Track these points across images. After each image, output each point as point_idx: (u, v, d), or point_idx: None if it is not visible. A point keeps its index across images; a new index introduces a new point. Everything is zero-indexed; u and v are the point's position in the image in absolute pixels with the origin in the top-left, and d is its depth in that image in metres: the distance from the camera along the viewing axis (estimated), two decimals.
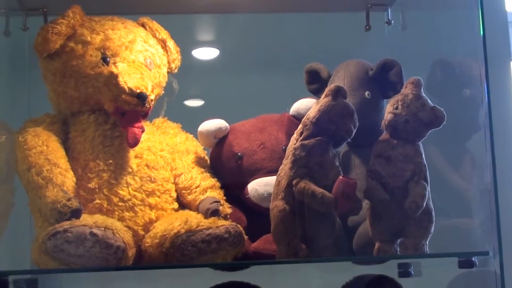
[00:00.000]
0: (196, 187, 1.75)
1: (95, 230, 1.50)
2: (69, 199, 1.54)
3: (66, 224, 1.50)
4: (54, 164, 1.62)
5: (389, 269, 1.79)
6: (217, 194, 1.74)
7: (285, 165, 1.59)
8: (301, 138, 1.59)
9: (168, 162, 1.77)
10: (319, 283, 1.77)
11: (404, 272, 1.84)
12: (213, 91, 2.03)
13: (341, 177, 1.55)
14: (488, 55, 1.72)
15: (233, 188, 1.77)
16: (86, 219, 1.54)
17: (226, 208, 1.68)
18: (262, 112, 1.87)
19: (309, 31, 2.04)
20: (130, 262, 1.57)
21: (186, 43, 1.88)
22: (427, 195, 1.57)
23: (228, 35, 2.10)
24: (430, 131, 1.61)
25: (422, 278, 1.84)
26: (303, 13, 2.04)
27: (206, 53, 2.07)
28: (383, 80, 1.75)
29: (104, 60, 1.68)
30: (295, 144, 1.59)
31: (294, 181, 1.55)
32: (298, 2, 2.00)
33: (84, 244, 1.49)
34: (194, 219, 1.61)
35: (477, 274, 1.76)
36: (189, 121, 1.89)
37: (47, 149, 1.65)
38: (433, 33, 1.94)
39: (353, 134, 1.58)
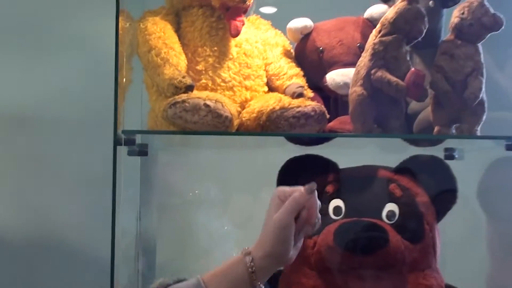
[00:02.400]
0: (284, 74, 1.77)
1: (208, 102, 1.56)
2: (184, 77, 1.59)
3: (184, 96, 1.57)
4: (170, 48, 1.65)
5: (437, 151, 1.81)
6: (301, 81, 1.76)
7: (365, 57, 1.61)
8: (379, 35, 1.60)
9: (261, 52, 1.79)
10: (380, 161, 1.77)
11: (449, 155, 1.87)
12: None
13: (412, 69, 1.58)
14: None
15: (314, 77, 1.78)
16: (198, 94, 1.59)
17: (309, 93, 1.72)
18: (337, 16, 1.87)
19: None
20: (234, 130, 1.62)
21: None
22: (482, 88, 1.60)
23: None
24: (489, 34, 1.61)
25: (464, 161, 1.86)
26: None
27: None
28: None
29: None
30: (374, 40, 1.60)
31: (373, 71, 1.58)
32: None
33: (199, 113, 1.55)
34: (287, 99, 1.66)
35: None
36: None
37: (164, 35, 1.67)
38: None
39: (423, 34, 1.59)
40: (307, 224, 1.36)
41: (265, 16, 1.89)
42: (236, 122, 1.63)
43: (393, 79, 1.57)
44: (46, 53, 2.05)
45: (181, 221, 1.94)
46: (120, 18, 1.61)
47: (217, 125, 1.57)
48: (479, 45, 1.63)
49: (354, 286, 1.62)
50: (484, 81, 1.60)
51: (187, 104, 1.56)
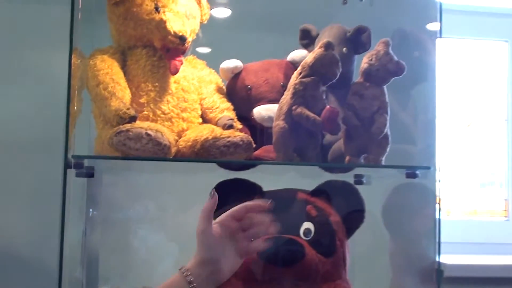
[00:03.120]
0: (216, 108, 1.82)
1: (149, 131, 1.60)
2: (128, 108, 1.63)
3: (128, 126, 1.60)
4: (117, 83, 1.69)
5: (348, 177, 1.88)
6: (231, 114, 1.81)
7: (287, 95, 1.67)
8: (300, 76, 1.67)
9: (196, 88, 1.83)
10: (299, 185, 1.82)
11: (358, 181, 1.94)
12: (225, 42, 2.08)
13: (328, 106, 1.65)
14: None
15: (243, 111, 1.83)
16: (140, 124, 1.64)
17: (238, 124, 1.77)
18: (261, 60, 1.93)
19: (301, 3, 2.08)
20: (171, 157, 1.67)
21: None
22: (387, 124, 1.68)
23: (238, 1, 2.16)
24: (393, 78, 1.71)
25: (371, 186, 1.93)
26: None
27: (222, 12, 2.12)
28: (356, 40, 1.82)
29: (156, 9, 1.73)
30: (295, 80, 1.67)
31: (293, 107, 1.64)
32: None
33: (141, 141, 1.59)
34: (218, 130, 1.71)
35: (413, 185, 1.90)
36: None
37: (111, 71, 1.71)
38: (393, 9, 2.03)
39: (337, 77, 1.67)
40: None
41: (200, 56, 1.93)
42: (173, 150, 1.66)
43: (311, 115, 1.63)
44: (6, 82, 2.07)
45: (122, 236, 1.94)
46: (73, 55, 1.65)
47: (157, 152, 1.60)
48: (384, 87, 1.71)
49: None
50: (388, 118, 1.68)
51: (130, 133, 1.59)
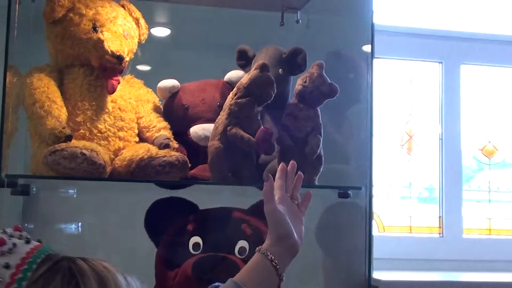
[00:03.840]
0: (153, 127, 1.82)
1: (84, 151, 1.60)
2: (64, 127, 1.63)
3: (63, 145, 1.60)
4: (53, 101, 1.69)
5: None
6: (168, 133, 1.82)
7: (222, 116, 1.69)
8: (235, 97, 1.69)
9: (134, 107, 1.84)
10: (234, 203, 1.84)
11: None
12: (164, 60, 2.09)
13: (262, 127, 1.67)
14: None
15: (180, 130, 1.84)
16: (75, 143, 1.63)
17: (174, 144, 1.78)
18: (199, 79, 1.93)
19: (239, 24, 2.11)
20: (106, 176, 1.67)
21: (147, 22, 1.92)
22: (320, 145, 1.70)
23: (178, 20, 2.17)
24: (326, 100, 1.73)
25: None
26: (236, 9, 2.13)
27: (161, 31, 2.14)
28: (292, 62, 1.84)
29: (94, 29, 1.74)
30: (231, 101, 1.69)
31: (228, 128, 1.66)
32: (233, 0, 2.09)
33: (76, 160, 1.59)
34: (154, 149, 1.71)
35: (346, 204, 1.93)
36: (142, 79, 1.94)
37: (48, 90, 1.71)
38: (329, 32, 2.06)
39: (272, 98, 1.69)
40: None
41: (140, 73, 1.94)
42: (109, 169, 1.66)
43: (246, 135, 1.64)
44: None
45: (60, 252, 1.94)
46: (8, 73, 1.64)
47: (92, 171, 1.60)
48: (318, 108, 1.73)
49: None
50: (321, 138, 1.71)
51: (65, 152, 1.58)
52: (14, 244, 0.90)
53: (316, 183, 1.74)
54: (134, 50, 1.85)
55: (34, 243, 0.95)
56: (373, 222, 1.88)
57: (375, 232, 1.95)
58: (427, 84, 2.61)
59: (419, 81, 2.61)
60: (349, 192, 1.82)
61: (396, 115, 2.57)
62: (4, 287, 0.83)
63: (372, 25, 1.88)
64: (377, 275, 1.91)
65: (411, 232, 2.53)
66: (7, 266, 0.84)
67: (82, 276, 0.91)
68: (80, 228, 2.01)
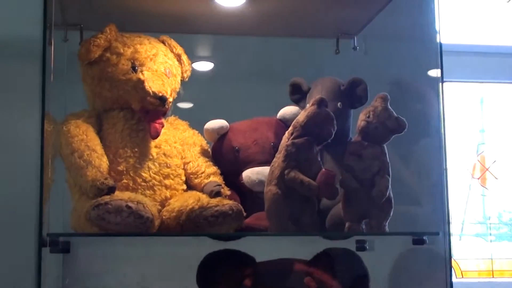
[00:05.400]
0: (202, 173, 1.84)
1: (130, 204, 1.61)
2: (106, 178, 1.65)
3: (106, 198, 1.61)
4: (93, 150, 1.72)
5: (349, 244, 1.89)
6: (218, 179, 1.83)
7: (278, 158, 1.69)
8: (292, 137, 1.69)
9: (179, 152, 1.86)
10: (295, 254, 1.83)
11: (361, 247, 1.94)
12: (209, 97, 2.12)
13: (323, 169, 1.67)
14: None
15: (231, 176, 1.85)
16: (119, 195, 1.65)
17: (226, 191, 1.78)
18: (250, 117, 1.95)
19: (290, 53, 2.13)
20: (155, 230, 1.67)
21: (189, 57, 1.96)
22: (389, 186, 1.70)
23: (222, 52, 2.20)
24: (393, 136, 1.74)
25: (374, 252, 1.94)
26: (286, 38, 2.14)
27: (204, 66, 2.17)
28: (351, 94, 1.86)
29: (133, 68, 1.77)
30: (287, 142, 1.69)
31: (286, 171, 1.66)
32: (282, 28, 2.10)
33: (121, 215, 1.60)
34: (205, 198, 1.72)
35: (421, 250, 1.89)
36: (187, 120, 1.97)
37: (86, 138, 1.74)
38: (389, 58, 2.07)
39: (333, 136, 1.69)
40: None
41: (182, 111, 1.97)
42: (157, 222, 1.68)
43: (306, 179, 1.65)
44: None
45: None
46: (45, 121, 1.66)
47: (138, 225, 1.61)
48: (384, 145, 1.74)
49: None
50: (390, 179, 1.70)
51: (109, 206, 1.60)
52: None
53: (387, 229, 1.73)
54: (177, 89, 1.88)
55: None
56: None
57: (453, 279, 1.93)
58: (500, 107, 2.60)
59: (491, 103, 2.60)
60: (424, 238, 1.79)
61: (466, 142, 2.56)
62: None
63: (440, 45, 1.85)
64: None
65: (493, 277, 2.50)
66: None
67: None
68: (126, 285, 2.02)
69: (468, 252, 2.48)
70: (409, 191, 1.93)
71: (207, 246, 1.83)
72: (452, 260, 2.16)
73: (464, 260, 2.47)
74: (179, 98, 1.93)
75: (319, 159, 1.72)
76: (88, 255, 1.97)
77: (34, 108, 1.69)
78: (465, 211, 2.50)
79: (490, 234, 2.54)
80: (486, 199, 2.53)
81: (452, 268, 1.87)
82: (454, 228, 2.36)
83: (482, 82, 2.60)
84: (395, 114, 1.73)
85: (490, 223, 2.56)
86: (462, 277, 2.44)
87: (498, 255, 2.51)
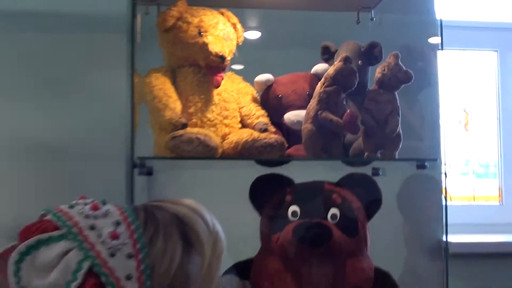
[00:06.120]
0: (253, 115, 1.86)
1: (199, 136, 1.65)
2: (180, 117, 1.68)
3: (180, 132, 1.65)
4: (169, 96, 1.74)
5: (367, 170, 1.91)
6: (266, 120, 1.85)
7: (313, 103, 1.71)
8: (323, 86, 1.71)
9: (235, 99, 1.87)
10: (325, 177, 1.85)
11: (375, 173, 1.95)
12: (256, 59, 2.10)
13: (348, 110, 1.69)
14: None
15: (275, 117, 1.87)
16: (190, 130, 1.68)
17: (272, 128, 1.81)
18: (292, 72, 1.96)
19: (321, 23, 2.12)
20: (218, 156, 1.71)
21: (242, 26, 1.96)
22: (399, 125, 1.71)
23: (268, 23, 2.19)
24: (402, 85, 1.74)
25: (386, 177, 1.94)
26: (317, 11, 2.13)
27: (253, 35, 2.16)
28: (369, 54, 1.86)
29: (200, 34, 1.78)
30: (320, 90, 1.71)
31: (319, 112, 1.68)
32: (314, 4, 2.09)
33: (192, 144, 1.64)
34: (256, 133, 1.75)
35: (422, 176, 1.93)
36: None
37: (164, 87, 1.76)
38: (399, 27, 2.06)
39: (355, 86, 1.71)
40: None
41: (236, 72, 1.97)
42: (219, 151, 1.71)
43: (334, 118, 1.67)
44: (77, 100, 2.10)
45: None
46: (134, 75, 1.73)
47: (205, 152, 1.65)
48: (396, 93, 1.74)
49: (307, 270, 1.71)
50: (400, 119, 1.71)
51: (183, 138, 1.64)
52: (102, 206, 0.82)
53: (396, 157, 1.74)
54: (233, 51, 1.88)
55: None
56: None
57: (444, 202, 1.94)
58: (484, 71, 2.59)
59: (478, 67, 2.58)
60: (426, 164, 1.81)
61: (459, 98, 2.56)
62: (129, 238, 0.76)
63: (441, 21, 1.87)
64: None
65: (474, 200, 2.51)
66: (118, 223, 0.77)
67: (164, 222, 0.83)
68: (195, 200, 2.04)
69: (455, 183, 2.49)
70: (413, 129, 1.91)
71: (257, 170, 1.84)
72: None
73: (452, 189, 2.48)
74: (234, 60, 1.91)
75: (345, 103, 1.73)
76: (165, 178, 1.99)
77: (124, 67, 1.78)
78: (453, 153, 2.50)
79: (469, 173, 2.54)
80: (469, 142, 2.53)
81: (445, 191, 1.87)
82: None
83: (470, 50, 2.59)
84: (404, 68, 1.73)
85: (471, 163, 2.56)
86: (451, 200, 2.45)
87: (478, 186, 2.52)
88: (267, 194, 1.81)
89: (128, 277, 0.71)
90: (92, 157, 2.06)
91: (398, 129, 1.71)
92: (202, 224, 0.82)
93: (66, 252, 0.69)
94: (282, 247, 1.71)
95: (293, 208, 1.75)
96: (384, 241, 1.92)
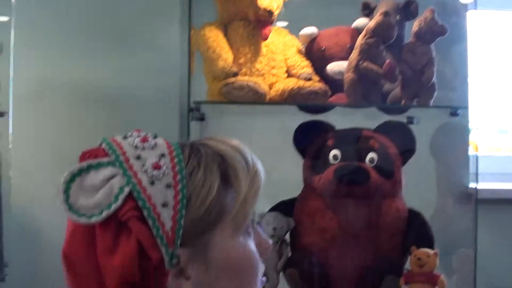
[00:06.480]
0: (298, 65, 1.93)
1: (249, 83, 1.76)
2: (231, 67, 1.79)
3: (232, 79, 1.77)
4: (222, 47, 1.84)
5: (402, 118, 1.97)
6: (310, 70, 1.93)
7: (354, 53, 1.80)
8: (365, 38, 1.80)
9: (282, 50, 1.95)
10: (364, 125, 1.92)
11: (410, 121, 2.01)
12: (300, 17, 2.14)
13: (388, 60, 1.78)
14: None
15: (319, 68, 1.94)
16: (241, 78, 1.80)
17: (316, 78, 1.90)
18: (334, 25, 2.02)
19: None
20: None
21: None
22: (434, 74, 1.80)
23: None
24: (438, 38, 1.82)
25: (420, 125, 2.00)
26: None
27: None
28: (406, 10, 1.91)
29: None
30: (361, 41, 1.80)
31: (361, 62, 1.77)
32: None
33: (243, 90, 1.76)
34: (301, 81, 1.85)
35: (453, 124, 2.02)
36: None
37: (217, 39, 1.85)
38: None
39: (394, 38, 1.79)
40: None
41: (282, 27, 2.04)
42: (267, 98, 1.82)
43: (375, 67, 1.76)
44: (135, 50, 2.19)
45: None
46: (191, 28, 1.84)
47: (255, 98, 1.77)
48: (432, 45, 1.82)
49: (346, 208, 1.80)
50: (435, 69, 1.79)
51: (235, 85, 1.76)
52: (152, 140, 0.85)
53: (431, 104, 1.83)
54: (280, 7, 1.94)
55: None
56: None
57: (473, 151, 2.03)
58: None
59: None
60: (458, 111, 1.90)
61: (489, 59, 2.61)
62: (170, 170, 0.80)
63: None
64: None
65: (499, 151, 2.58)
66: (163, 155, 0.81)
67: (205, 155, 0.86)
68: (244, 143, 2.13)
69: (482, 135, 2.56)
70: (446, 80, 1.97)
71: (301, 117, 1.93)
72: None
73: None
74: (280, 17, 1.97)
75: (384, 54, 1.81)
76: (217, 124, 2.08)
77: (179, 19, 1.92)
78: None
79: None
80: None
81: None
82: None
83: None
84: (440, 22, 1.80)
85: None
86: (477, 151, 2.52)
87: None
88: (310, 139, 1.90)
89: (164, 204, 0.76)
90: (148, 104, 2.16)
91: (433, 79, 1.79)
92: (242, 161, 0.85)
93: (111, 177, 0.76)
94: (323, 187, 1.80)
95: (334, 152, 1.83)
96: (417, 185, 1.99)
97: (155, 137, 0.84)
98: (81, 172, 0.76)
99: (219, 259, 0.79)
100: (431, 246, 1.80)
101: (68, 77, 2.22)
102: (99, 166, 0.77)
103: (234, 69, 1.80)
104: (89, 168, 0.77)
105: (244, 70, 1.87)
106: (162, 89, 2.13)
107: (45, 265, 2.28)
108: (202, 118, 1.95)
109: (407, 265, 1.81)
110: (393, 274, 1.79)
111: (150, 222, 0.74)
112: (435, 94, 1.82)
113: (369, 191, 1.78)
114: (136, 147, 0.80)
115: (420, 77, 1.80)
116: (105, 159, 0.78)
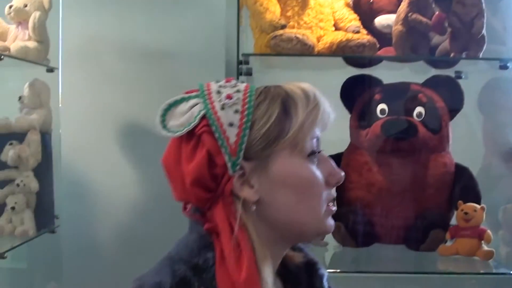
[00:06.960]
0: (346, 18, 1.92)
1: (297, 35, 1.75)
2: (279, 19, 1.78)
3: (280, 32, 1.76)
4: (270, 0, 1.83)
5: (450, 73, 1.92)
6: (358, 23, 1.91)
7: (403, 5, 1.79)
8: None
9: (329, 4, 1.93)
10: (412, 79, 1.89)
11: (458, 76, 1.94)
12: None
13: (437, 12, 1.76)
14: None
15: (367, 21, 1.92)
16: (289, 30, 1.78)
17: (363, 31, 1.89)
18: None
19: None
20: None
21: None
22: (484, 27, 1.76)
23: None
24: None
25: (468, 80, 1.95)
26: None
27: None
28: None
29: None
30: None
31: (409, 14, 1.76)
32: None
33: (292, 42, 1.74)
34: (349, 34, 1.83)
35: (502, 79, 1.98)
36: None
37: None
38: None
39: None
40: None
41: None
42: (316, 49, 1.81)
43: (424, 19, 1.74)
44: (185, 6, 2.23)
45: None
46: None
47: (303, 50, 1.76)
48: None
49: (393, 162, 1.80)
50: (484, 21, 1.76)
51: (283, 37, 1.75)
52: (235, 81, 1.00)
53: (480, 57, 1.80)
54: None
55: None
56: None
57: None
58: None
59: None
60: (508, 64, 1.84)
61: None
62: (241, 100, 0.93)
63: None
64: None
65: None
66: (238, 91, 0.94)
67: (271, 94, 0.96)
68: None
69: None
70: (496, 33, 1.93)
71: (348, 71, 1.92)
72: None
73: None
74: None
75: (433, 6, 1.79)
76: (264, 78, 2.02)
77: None
78: None
79: None
80: None
81: None
82: None
83: None
84: None
85: None
86: None
87: None
88: (358, 93, 1.89)
89: (231, 124, 0.92)
90: (195, 61, 2.19)
91: (483, 31, 1.76)
92: (302, 96, 0.96)
93: (194, 105, 0.94)
94: (370, 141, 1.80)
95: (382, 106, 1.82)
96: (464, 140, 1.99)
97: (241, 82, 0.99)
98: (176, 103, 0.95)
99: (278, 173, 0.92)
100: (477, 201, 1.79)
101: (118, 34, 2.25)
102: (189, 98, 0.95)
103: (282, 21, 1.78)
104: (182, 100, 0.96)
105: (291, 23, 1.86)
106: (210, 44, 2.15)
107: (94, 217, 2.35)
108: (249, 73, 1.92)
109: (453, 221, 1.81)
110: (439, 228, 1.79)
111: (216, 135, 0.91)
112: (485, 46, 1.78)
113: (416, 145, 1.77)
114: (220, 86, 0.96)
115: (469, 29, 1.76)
116: (194, 93, 0.96)
